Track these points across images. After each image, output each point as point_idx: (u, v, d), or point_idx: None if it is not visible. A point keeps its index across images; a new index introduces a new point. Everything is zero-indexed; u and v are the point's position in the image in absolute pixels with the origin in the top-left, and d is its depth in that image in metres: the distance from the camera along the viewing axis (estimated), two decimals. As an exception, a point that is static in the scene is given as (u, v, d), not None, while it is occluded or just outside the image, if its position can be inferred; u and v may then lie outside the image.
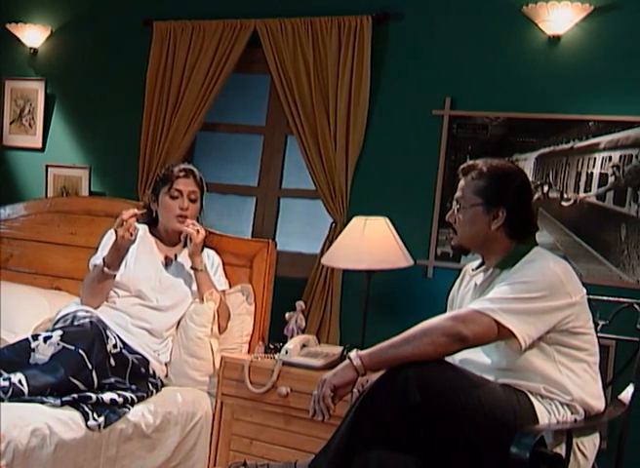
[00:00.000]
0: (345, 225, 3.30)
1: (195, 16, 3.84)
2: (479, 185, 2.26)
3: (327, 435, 2.16)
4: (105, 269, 2.96)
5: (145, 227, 3.17)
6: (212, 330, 3.08)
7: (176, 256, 3.18)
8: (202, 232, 3.08)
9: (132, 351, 2.91)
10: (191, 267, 3.10)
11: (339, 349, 3.08)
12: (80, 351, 2.71)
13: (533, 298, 2.11)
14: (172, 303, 3.10)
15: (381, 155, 3.51)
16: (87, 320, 2.82)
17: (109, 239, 3.08)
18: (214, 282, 3.13)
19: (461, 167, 2.34)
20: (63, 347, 2.71)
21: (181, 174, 3.13)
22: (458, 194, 2.31)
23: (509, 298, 2.12)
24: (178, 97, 3.84)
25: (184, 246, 3.20)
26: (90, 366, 2.71)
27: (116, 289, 3.05)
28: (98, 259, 3.06)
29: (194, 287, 3.12)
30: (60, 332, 2.76)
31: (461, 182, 2.31)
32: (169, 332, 3.11)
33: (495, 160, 2.33)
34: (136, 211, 2.95)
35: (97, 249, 3.14)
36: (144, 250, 3.11)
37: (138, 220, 2.98)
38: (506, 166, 2.34)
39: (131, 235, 2.89)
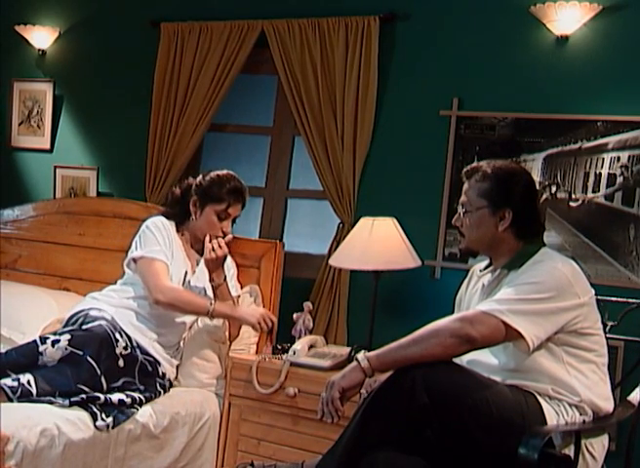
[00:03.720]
0: (353, 226, 3.30)
1: (202, 17, 3.85)
2: (483, 187, 2.25)
3: (334, 436, 2.17)
4: (210, 317, 2.93)
5: (173, 224, 3.09)
6: (220, 337, 3.08)
7: (197, 262, 3.12)
8: (225, 251, 2.99)
9: (143, 352, 2.90)
10: (209, 280, 3.02)
11: (346, 350, 3.08)
12: (89, 358, 2.69)
13: (541, 299, 2.11)
14: None
15: (389, 156, 3.50)
16: (97, 323, 2.81)
17: (158, 233, 2.97)
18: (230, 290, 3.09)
19: (465, 170, 2.33)
20: (72, 352, 2.70)
21: (238, 198, 3.04)
22: (462, 198, 2.30)
23: (517, 299, 2.11)
24: (185, 98, 3.84)
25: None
26: (99, 372, 2.70)
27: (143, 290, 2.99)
28: (158, 254, 2.93)
29: (210, 292, 3.07)
30: (68, 336, 2.74)
31: (465, 186, 2.31)
32: (182, 335, 3.10)
33: (498, 161, 2.32)
34: (274, 319, 3.02)
35: (141, 243, 2.98)
36: (177, 252, 3.04)
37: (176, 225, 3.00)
38: (510, 166, 2.33)
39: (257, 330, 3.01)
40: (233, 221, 3.08)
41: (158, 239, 2.99)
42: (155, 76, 3.90)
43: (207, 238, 3.00)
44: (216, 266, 2.99)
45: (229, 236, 3.04)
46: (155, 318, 2.98)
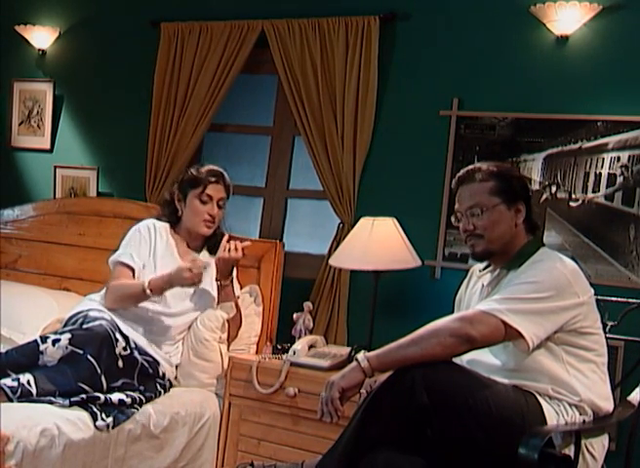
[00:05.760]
0: (353, 226, 3.30)
1: (203, 17, 3.85)
2: (491, 186, 2.25)
3: (334, 435, 2.17)
4: (148, 292, 2.91)
5: (167, 226, 3.13)
6: (220, 337, 3.08)
7: None
8: (240, 254, 3.02)
9: (142, 352, 2.90)
10: (216, 279, 3.04)
11: (346, 350, 3.08)
12: (89, 357, 2.69)
13: (540, 298, 2.11)
14: (188, 308, 3.07)
15: (389, 156, 3.50)
16: (97, 322, 2.80)
17: (134, 236, 3.03)
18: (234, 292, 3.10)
19: (460, 175, 2.31)
20: (72, 351, 2.70)
21: (213, 179, 3.08)
22: (469, 202, 2.26)
23: (517, 299, 2.12)
24: (185, 98, 3.85)
25: (205, 251, 3.16)
26: (99, 371, 2.70)
27: None
28: (122, 257, 3.00)
29: (212, 292, 3.09)
30: (68, 336, 2.74)
31: (466, 191, 2.28)
32: (181, 335, 3.10)
33: (488, 162, 2.34)
34: (204, 262, 2.91)
35: (119, 246, 3.05)
36: (167, 252, 3.07)
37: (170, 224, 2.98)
38: (504, 164, 2.40)
39: (195, 283, 2.90)
40: (220, 207, 3.08)
41: (131, 242, 3.03)
42: (155, 76, 3.91)
43: (225, 238, 3.02)
44: (225, 267, 3.01)
45: (247, 242, 3.07)
46: (144, 317, 2.99)
